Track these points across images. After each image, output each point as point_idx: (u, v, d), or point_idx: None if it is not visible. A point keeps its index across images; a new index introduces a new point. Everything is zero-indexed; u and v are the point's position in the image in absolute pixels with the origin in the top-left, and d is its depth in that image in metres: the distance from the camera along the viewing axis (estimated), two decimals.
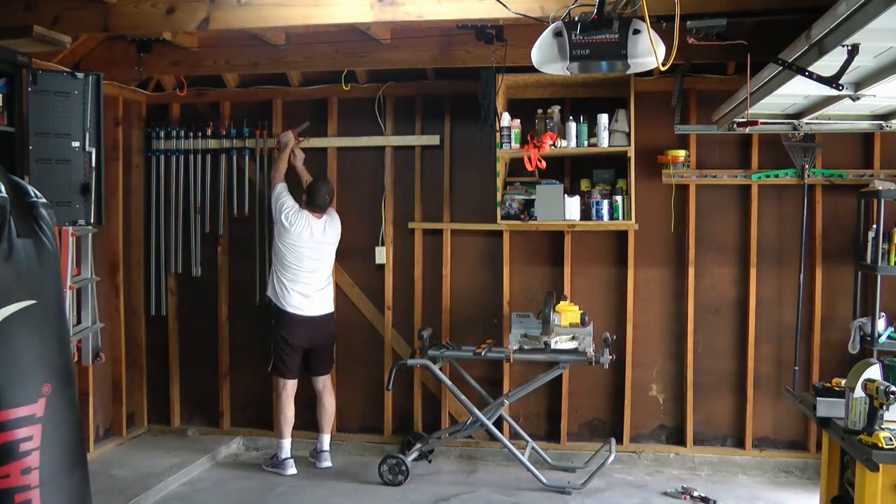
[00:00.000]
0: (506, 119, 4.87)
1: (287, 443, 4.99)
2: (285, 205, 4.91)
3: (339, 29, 4.64)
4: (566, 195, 4.87)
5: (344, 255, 5.24)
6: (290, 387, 4.99)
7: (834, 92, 3.15)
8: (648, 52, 2.90)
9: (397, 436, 5.39)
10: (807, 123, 4.31)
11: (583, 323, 4.76)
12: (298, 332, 4.93)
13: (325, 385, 5.11)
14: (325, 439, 5.12)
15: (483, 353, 4.79)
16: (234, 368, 5.62)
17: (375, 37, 4.68)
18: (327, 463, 5.07)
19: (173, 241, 5.57)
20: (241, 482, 4.89)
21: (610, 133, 4.81)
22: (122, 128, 5.36)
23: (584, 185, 5.05)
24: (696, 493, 4.57)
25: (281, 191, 4.97)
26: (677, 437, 5.20)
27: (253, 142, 5.44)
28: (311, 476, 4.96)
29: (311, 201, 4.94)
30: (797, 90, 3.48)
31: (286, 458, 4.97)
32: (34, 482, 2.18)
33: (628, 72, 3.10)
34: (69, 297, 4.28)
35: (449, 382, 4.82)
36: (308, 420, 5.27)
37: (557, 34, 2.98)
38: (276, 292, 4.96)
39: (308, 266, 4.93)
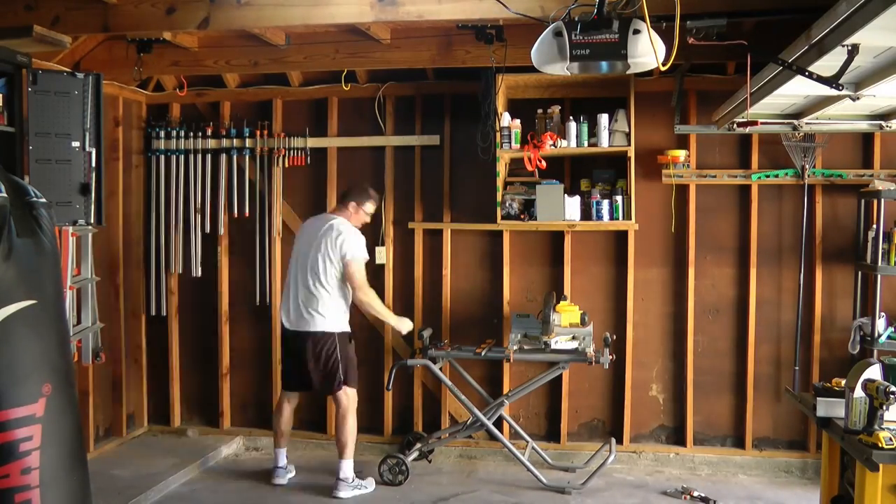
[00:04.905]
0: (506, 119, 4.87)
1: (278, 451, 4.82)
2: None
3: (339, 29, 4.65)
4: (566, 195, 4.87)
5: None
6: (282, 397, 4.86)
7: (834, 92, 3.15)
8: (648, 52, 2.90)
9: (397, 436, 5.38)
10: (807, 123, 4.32)
11: (583, 323, 4.76)
12: (283, 344, 4.84)
13: (332, 404, 4.88)
14: (339, 464, 4.65)
15: (483, 353, 4.79)
16: (234, 368, 5.61)
17: (375, 37, 4.68)
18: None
19: (173, 241, 5.56)
20: (241, 482, 4.89)
21: (610, 133, 4.81)
22: (121, 128, 5.35)
23: (584, 185, 5.06)
24: (695, 493, 4.57)
25: None
26: (677, 437, 5.20)
27: (253, 142, 5.44)
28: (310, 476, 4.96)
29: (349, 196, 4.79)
30: (797, 90, 3.49)
31: (276, 467, 4.83)
32: (34, 482, 2.18)
33: (628, 72, 3.10)
34: (69, 297, 4.28)
35: (449, 382, 4.82)
36: (306, 422, 5.24)
37: (557, 34, 2.98)
38: None
39: (291, 272, 4.75)
